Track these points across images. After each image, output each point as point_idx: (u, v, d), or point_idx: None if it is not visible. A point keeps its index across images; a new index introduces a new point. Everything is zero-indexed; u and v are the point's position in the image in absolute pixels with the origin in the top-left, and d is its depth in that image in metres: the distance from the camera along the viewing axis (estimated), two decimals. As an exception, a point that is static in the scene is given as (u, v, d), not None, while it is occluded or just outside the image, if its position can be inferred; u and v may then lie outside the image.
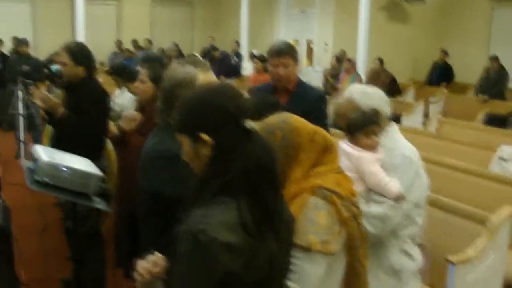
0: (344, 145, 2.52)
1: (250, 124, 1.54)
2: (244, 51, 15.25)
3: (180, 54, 12.73)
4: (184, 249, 1.40)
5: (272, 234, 1.51)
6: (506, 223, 3.36)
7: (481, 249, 3.21)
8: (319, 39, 15.25)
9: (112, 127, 4.09)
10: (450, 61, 12.52)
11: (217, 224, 1.39)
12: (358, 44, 11.40)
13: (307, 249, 1.69)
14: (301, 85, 3.64)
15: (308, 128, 1.85)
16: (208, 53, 14.81)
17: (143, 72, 3.57)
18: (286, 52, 3.54)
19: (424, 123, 9.39)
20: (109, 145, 4.59)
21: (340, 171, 1.90)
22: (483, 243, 3.23)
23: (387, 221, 2.42)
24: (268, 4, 16.66)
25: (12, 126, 7.88)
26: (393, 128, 2.64)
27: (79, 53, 3.99)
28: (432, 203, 3.77)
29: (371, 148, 2.49)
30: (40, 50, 16.07)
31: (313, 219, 1.72)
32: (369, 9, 11.22)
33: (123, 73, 5.81)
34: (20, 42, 9.59)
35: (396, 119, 9.31)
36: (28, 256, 4.82)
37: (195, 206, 1.46)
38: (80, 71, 3.97)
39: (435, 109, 10.25)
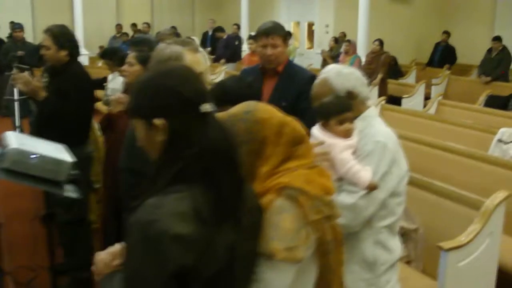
0: (315, 131, 2.37)
1: (207, 108, 1.43)
2: (244, 34, 15.08)
3: (176, 37, 12.55)
4: (132, 242, 1.30)
5: (231, 223, 1.41)
6: (500, 208, 3.25)
7: (474, 235, 3.11)
8: (320, 21, 15.06)
9: (104, 111, 4.02)
10: (453, 42, 12.34)
11: (168, 215, 1.29)
12: (359, 25, 11.22)
13: (270, 257, 1.52)
14: (290, 66, 3.50)
15: (275, 119, 1.65)
16: (209, 36, 14.71)
17: (131, 55, 3.57)
18: (275, 31, 3.38)
19: (425, 106, 9.25)
20: (97, 130, 4.51)
21: (313, 166, 1.71)
22: (477, 229, 3.13)
23: (358, 212, 2.28)
24: (269, -14, 16.46)
25: (8, 112, 7.79)
26: (371, 111, 2.49)
27: (62, 37, 3.86)
28: (426, 187, 3.69)
29: (345, 135, 2.34)
30: (39, 35, 15.96)
31: (277, 224, 1.54)
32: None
33: (114, 56, 5.69)
34: (14, 27, 9.45)
35: (397, 100, 9.19)
36: (16, 242, 4.76)
37: (149, 195, 1.35)
38: (63, 55, 3.85)
39: (436, 91, 10.09)
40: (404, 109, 7.74)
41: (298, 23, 16.16)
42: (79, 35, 12.94)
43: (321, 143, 2.27)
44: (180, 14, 18.13)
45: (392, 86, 10.20)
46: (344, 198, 2.27)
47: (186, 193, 1.34)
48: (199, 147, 1.38)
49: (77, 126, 3.89)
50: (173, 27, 13.82)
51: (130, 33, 14.66)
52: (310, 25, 15.76)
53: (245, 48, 13.77)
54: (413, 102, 9.33)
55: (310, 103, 2.52)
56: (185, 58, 2.26)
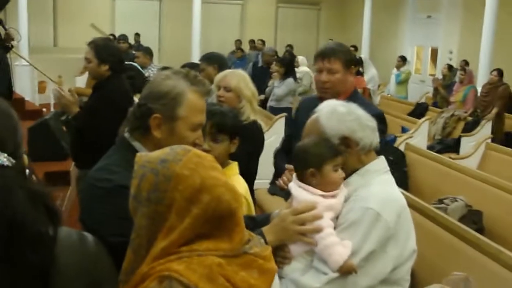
0: (293, 189, 1.92)
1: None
2: (364, 56, 14.53)
3: (290, 55, 12.31)
4: None
5: None
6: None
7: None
8: (444, 46, 14.14)
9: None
10: None
11: None
12: (480, 53, 10.29)
13: None
14: (354, 99, 2.74)
15: (197, 179, 1.27)
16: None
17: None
18: (333, 54, 2.89)
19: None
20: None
21: (236, 254, 1.29)
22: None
23: None
24: (393, 8, 15.78)
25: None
26: (376, 165, 1.97)
27: (105, 51, 3.74)
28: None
29: (336, 185, 1.88)
30: (164, 46, 16.64)
31: None
32: (495, 14, 9.98)
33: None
34: (119, 38, 9.79)
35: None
36: None
37: None
38: (104, 69, 3.75)
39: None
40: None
41: (421, 48, 15.32)
42: (195, 49, 13.23)
43: (311, 207, 1.81)
44: (304, 32, 18.00)
45: (510, 122, 9.21)
46: (307, 280, 1.77)
47: None
48: None
49: (106, 144, 3.76)
50: (261, 40, 13.70)
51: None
52: (434, 51, 14.87)
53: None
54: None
55: None
56: (186, 99, 1.82)
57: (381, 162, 2.00)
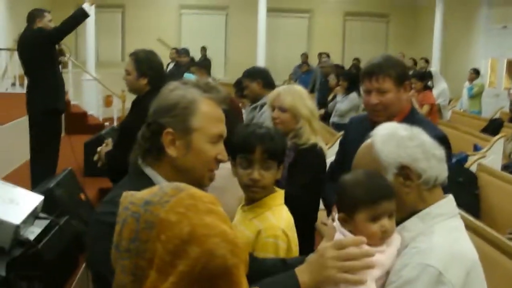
0: (336, 225, 1.59)
1: None
2: (434, 69, 13.99)
3: (355, 70, 12.01)
4: None
5: None
6: None
7: None
8: (521, 58, 13.39)
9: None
10: None
11: None
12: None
13: None
14: (412, 119, 2.42)
15: (185, 227, 1.01)
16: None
17: None
18: (381, 71, 2.53)
19: None
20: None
21: None
22: None
23: None
24: (466, 19, 15.12)
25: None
26: (443, 207, 1.59)
27: (145, 63, 3.53)
28: None
29: (378, 239, 1.51)
30: (230, 59, 16.67)
31: None
32: None
33: (237, 87, 5.40)
34: (179, 52, 9.76)
35: None
36: None
37: None
38: (143, 83, 3.53)
39: None
40: None
41: (496, 60, 14.59)
42: (260, 62, 13.13)
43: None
44: (372, 45, 17.51)
45: None
46: None
47: None
48: None
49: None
50: (325, 54, 13.35)
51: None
52: (510, 63, 14.11)
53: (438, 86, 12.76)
54: None
55: None
56: (199, 107, 1.60)
57: (448, 203, 1.62)
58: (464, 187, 5.13)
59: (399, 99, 2.56)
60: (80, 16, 5.17)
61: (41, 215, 2.65)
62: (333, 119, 7.78)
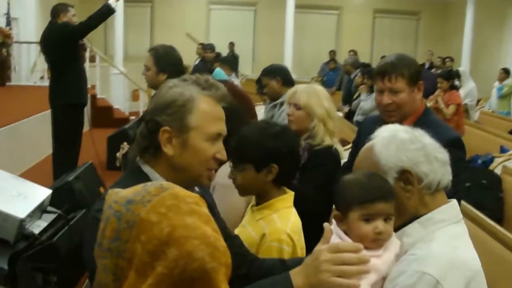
0: (333, 227, 1.52)
1: None
2: (464, 68, 13.76)
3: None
4: None
5: None
6: None
7: None
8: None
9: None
10: None
11: None
12: None
13: None
14: (426, 121, 2.42)
15: (165, 228, 0.99)
16: (425, 69, 13.68)
17: None
18: (393, 70, 2.47)
19: None
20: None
21: None
22: None
23: None
24: (497, 18, 14.85)
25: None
26: (445, 212, 1.53)
27: (164, 59, 3.52)
28: None
29: (371, 241, 1.45)
30: (258, 55, 16.66)
31: None
32: None
33: (258, 84, 5.39)
34: (205, 47, 9.77)
35: None
36: None
37: None
38: (162, 79, 3.44)
39: None
40: None
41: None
42: (288, 58, 13.11)
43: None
44: (401, 43, 17.33)
45: None
46: None
47: None
48: None
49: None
50: (353, 51, 13.22)
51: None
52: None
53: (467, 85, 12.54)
54: None
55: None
56: (196, 105, 1.58)
57: (451, 209, 1.55)
58: (488, 190, 5.03)
59: (412, 99, 2.50)
60: (106, 12, 5.22)
61: (49, 208, 2.68)
62: (357, 117, 7.70)
